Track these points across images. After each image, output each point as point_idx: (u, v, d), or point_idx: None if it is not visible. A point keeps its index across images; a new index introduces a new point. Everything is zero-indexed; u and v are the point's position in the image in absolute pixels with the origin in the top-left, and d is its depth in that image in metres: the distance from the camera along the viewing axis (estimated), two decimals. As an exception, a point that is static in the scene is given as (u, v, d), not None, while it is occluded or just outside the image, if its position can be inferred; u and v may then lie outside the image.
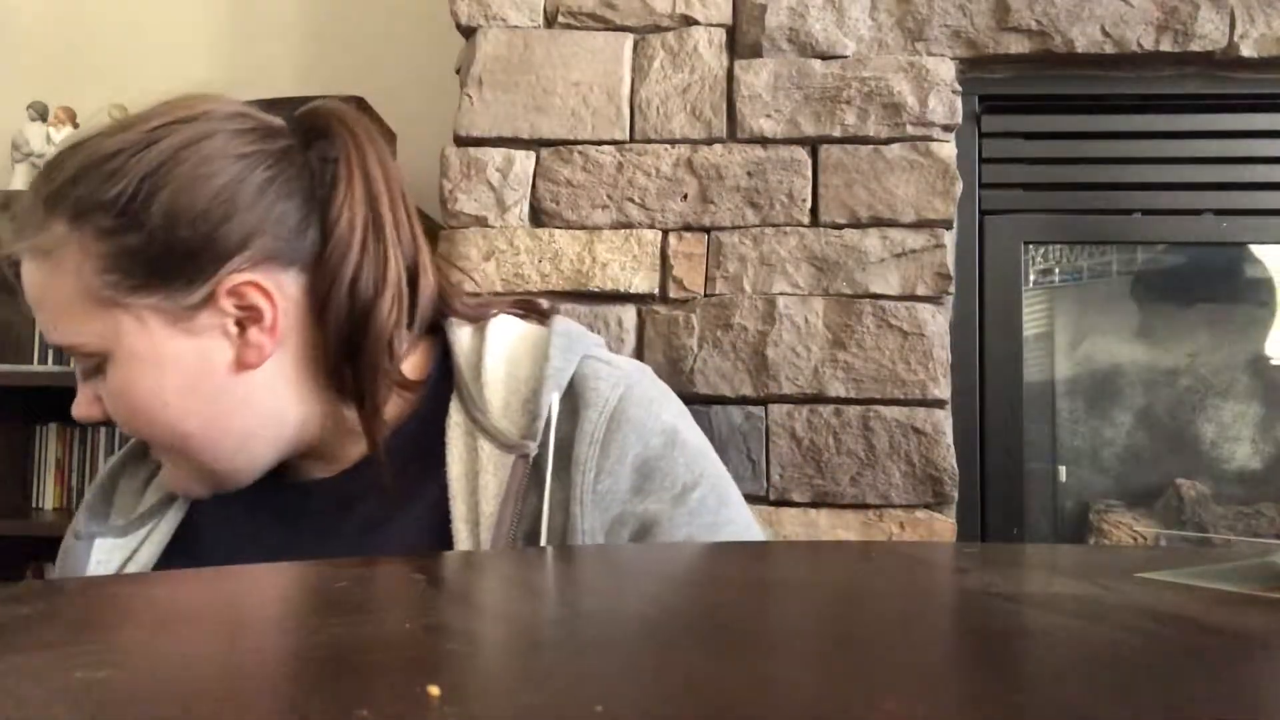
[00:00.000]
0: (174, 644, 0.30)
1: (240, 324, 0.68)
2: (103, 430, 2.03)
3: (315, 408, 0.72)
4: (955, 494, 1.52)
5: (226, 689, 0.25)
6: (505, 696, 0.24)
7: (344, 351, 0.69)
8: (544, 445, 0.68)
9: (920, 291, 1.53)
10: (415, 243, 0.72)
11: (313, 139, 0.71)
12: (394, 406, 0.73)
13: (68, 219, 0.65)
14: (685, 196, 1.57)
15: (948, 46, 1.57)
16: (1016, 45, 1.56)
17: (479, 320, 0.76)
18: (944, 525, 1.51)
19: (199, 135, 0.68)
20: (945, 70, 1.56)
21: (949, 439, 1.52)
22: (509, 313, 0.77)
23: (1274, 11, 1.54)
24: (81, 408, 0.69)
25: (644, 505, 0.67)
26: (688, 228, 1.57)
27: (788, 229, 1.56)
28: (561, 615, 0.36)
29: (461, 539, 0.66)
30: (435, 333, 0.76)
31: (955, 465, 1.52)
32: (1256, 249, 1.76)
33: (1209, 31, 1.54)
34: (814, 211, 1.56)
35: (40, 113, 2.00)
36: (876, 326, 1.53)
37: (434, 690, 0.23)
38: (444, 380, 0.73)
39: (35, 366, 2.00)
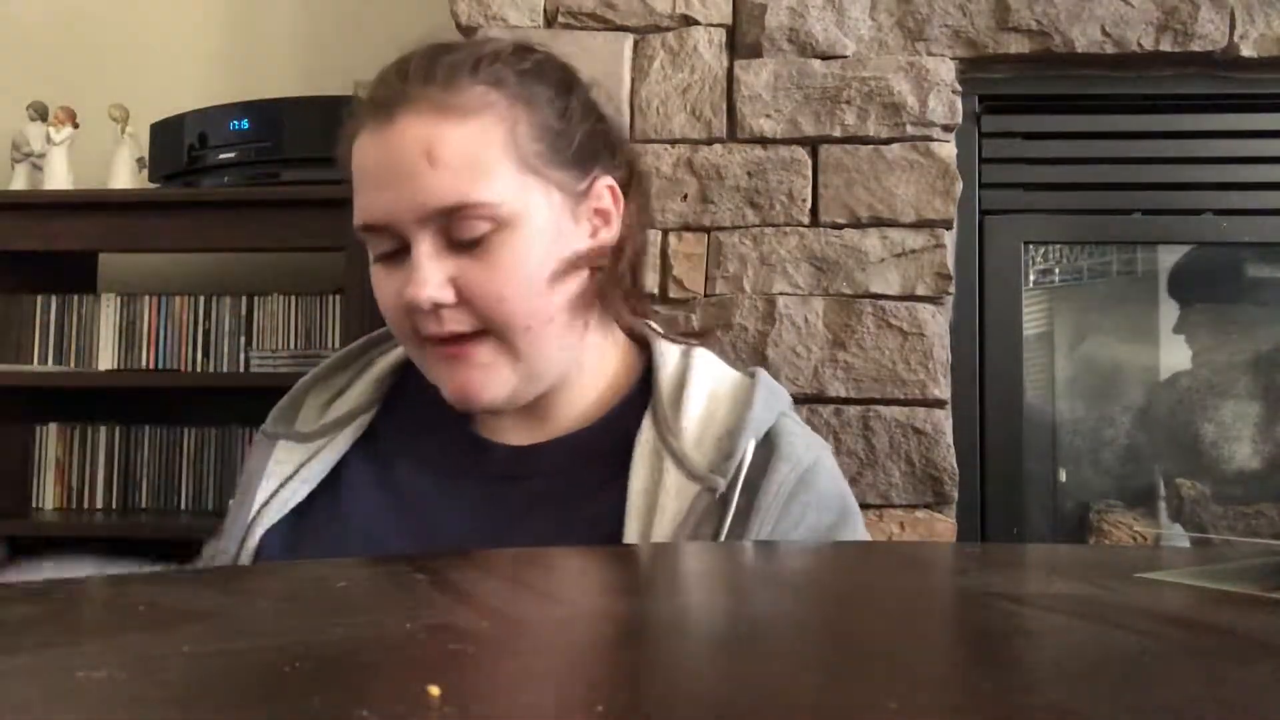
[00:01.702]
0: (174, 644, 0.30)
1: (593, 223, 0.75)
2: (102, 430, 2.03)
3: (586, 338, 0.77)
4: (955, 494, 1.52)
5: (227, 689, 0.25)
6: (505, 696, 0.24)
7: (628, 276, 0.78)
8: (732, 486, 0.70)
9: (920, 291, 1.53)
10: None
11: None
12: (592, 404, 0.78)
13: (511, 84, 0.71)
14: (685, 196, 1.57)
15: (948, 46, 1.57)
16: (1016, 45, 1.56)
17: (682, 343, 0.81)
18: (944, 525, 1.51)
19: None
20: (945, 70, 1.56)
21: (949, 439, 1.52)
22: (708, 350, 0.83)
23: (1274, 11, 1.54)
24: (433, 289, 0.68)
25: None
26: (688, 228, 1.57)
27: (788, 229, 1.55)
28: (562, 616, 0.36)
29: None
30: (640, 346, 0.82)
31: (955, 465, 1.52)
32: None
33: (1209, 31, 1.54)
34: (814, 211, 1.56)
35: (40, 113, 2.00)
36: (876, 326, 1.53)
37: (434, 690, 0.23)
38: (640, 394, 0.77)
39: (35, 366, 2.00)
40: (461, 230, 0.68)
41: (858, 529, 0.75)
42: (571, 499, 0.74)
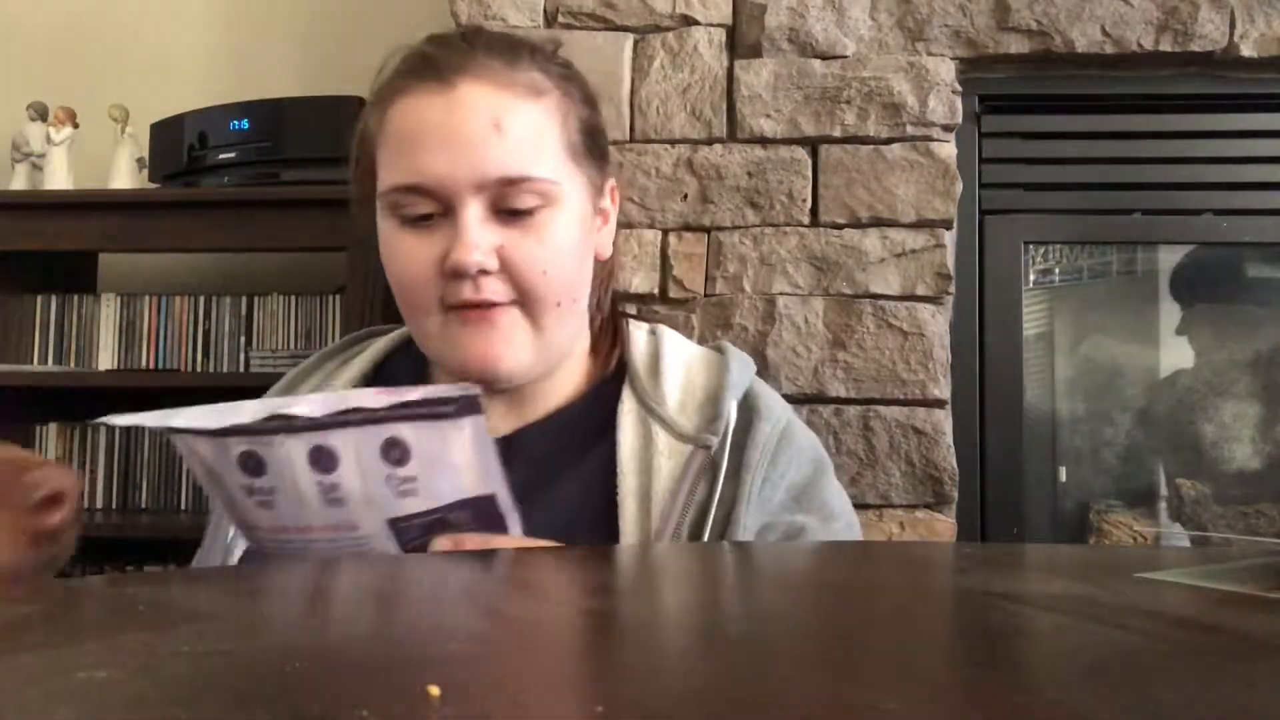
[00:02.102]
0: (174, 644, 0.30)
1: (599, 219, 0.80)
2: (103, 431, 2.03)
3: (584, 324, 0.81)
4: (955, 494, 1.52)
5: (227, 689, 0.25)
6: (505, 696, 0.24)
7: (601, 276, 0.81)
8: (721, 446, 0.74)
9: (920, 291, 1.53)
10: None
11: None
12: (570, 388, 0.80)
13: (556, 76, 0.74)
14: (685, 196, 1.57)
15: (948, 46, 1.57)
16: (1016, 45, 1.56)
17: (646, 323, 0.86)
18: (944, 525, 1.51)
19: None
20: (945, 70, 1.56)
21: (949, 439, 1.52)
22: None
23: (1274, 11, 1.54)
24: (481, 254, 0.69)
25: (794, 517, 0.74)
26: (688, 228, 1.57)
27: (788, 229, 1.55)
28: (561, 616, 0.36)
29: (629, 512, 0.71)
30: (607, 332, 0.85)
31: (955, 465, 1.52)
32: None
33: (1209, 31, 1.54)
34: (814, 211, 1.56)
35: (40, 113, 2.00)
36: (876, 326, 1.53)
37: (434, 690, 0.23)
38: (613, 376, 0.81)
39: (35, 366, 2.00)
40: (514, 201, 0.70)
41: (833, 479, 0.80)
42: (557, 473, 0.76)
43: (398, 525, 0.55)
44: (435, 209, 0.71)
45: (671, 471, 0.72)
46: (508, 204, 0.70)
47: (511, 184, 0.70)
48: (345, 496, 0.52)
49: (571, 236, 0.73)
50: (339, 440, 0.51)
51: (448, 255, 0.69)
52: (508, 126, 0.70)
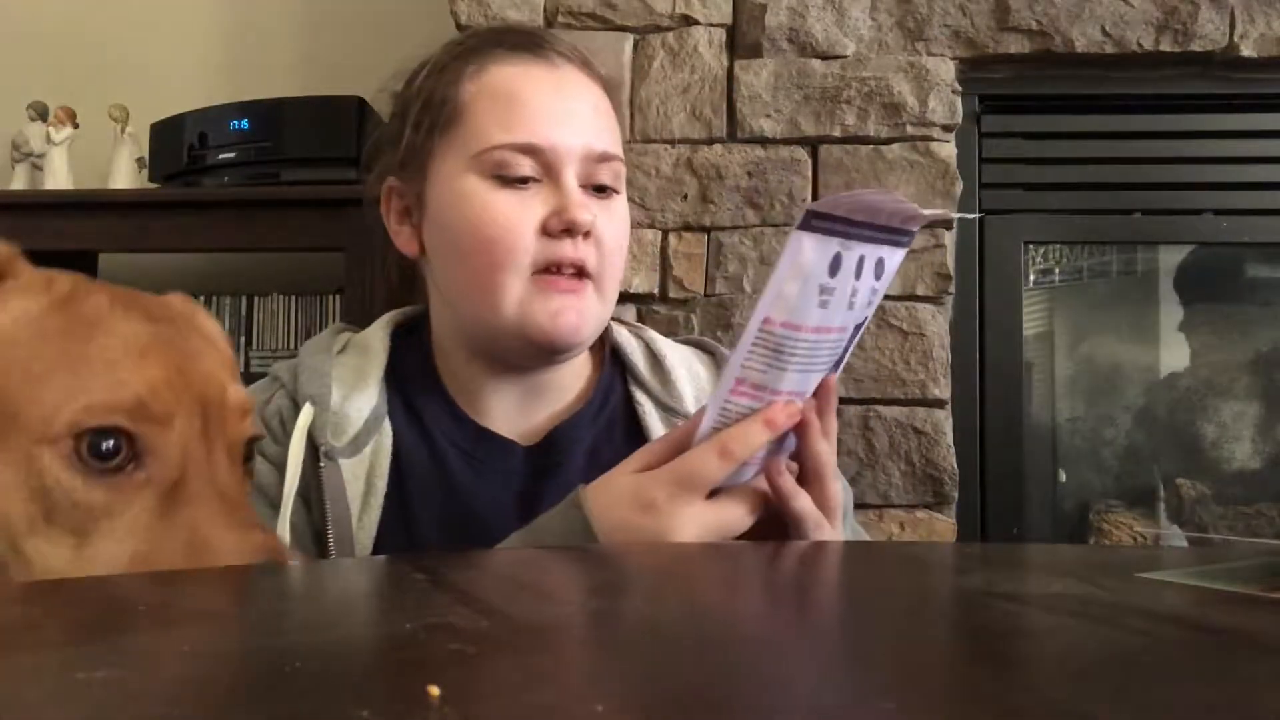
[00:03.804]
0: (174, 644, 0.30)
1: None
2: (103, 430, 2.03)
3: None
4: (955, 494, 1.52)
5: (227, 689, 0.25)
6: (505, 696, 0.24)
7: None
8: None
9: (920, 291, 1.53)
10: None
11: None
12: (581, 375, 0.81)
13: (606, 82, 0.79)
14: (685, 196, 1.57)
15: (948, 46, 1.57)
16: (1016, 45, 1.56)
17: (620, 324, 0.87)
18: (944, 525, 1.51)
19: None
20: (945, 70, 1.56)
21: (949, 439, 1.52)
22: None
23: (1274, 11, 1.54)
24: (590, 214, 0.72)
25: None
26: (688, 228, 1.57)
27: (788, 229, 1.55)
28: (562, 615, 0.36)
29: None
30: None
31: (955, 465, 1.52)
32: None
33: (1209, 31, 1.54)
34: (814, 211, 1.56)
35: (40, 113, 2.00)
36: (876, 326, 1.53)
37: (434, 690, 0.23)
38: (610, 371, 0.82)
39: (35, 366, 2.00)
40: (601, 176, 0.74)
41: None
42: (603, 471, 0.75)
43: (854, 331, 0.60)
44: (535, 173, 0.73)
45: None
46: (595, 179, 0.74)
47: (604, 159, 0.74)
48: (856, 301, 0.58)
49: (628, 221, 0.78)
50: (868, 251, 0.57)
51: (552, 215, 0.72)
52: (601, 111, 0.76)
